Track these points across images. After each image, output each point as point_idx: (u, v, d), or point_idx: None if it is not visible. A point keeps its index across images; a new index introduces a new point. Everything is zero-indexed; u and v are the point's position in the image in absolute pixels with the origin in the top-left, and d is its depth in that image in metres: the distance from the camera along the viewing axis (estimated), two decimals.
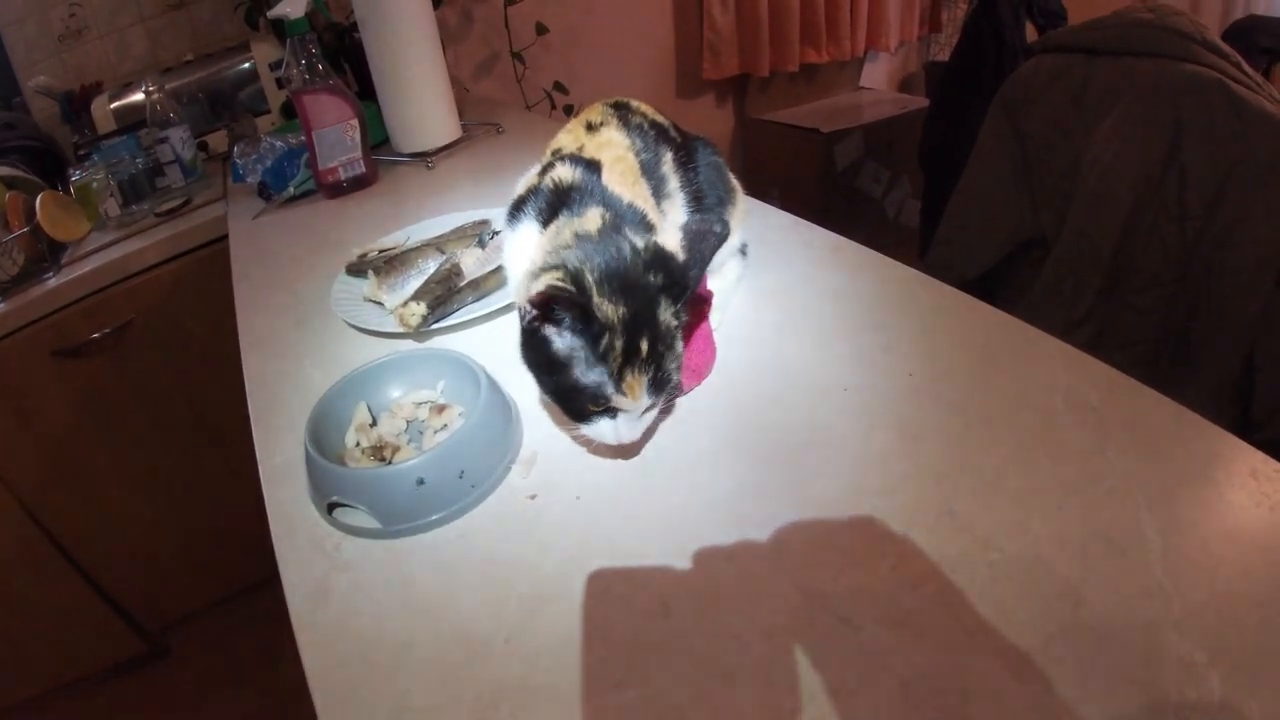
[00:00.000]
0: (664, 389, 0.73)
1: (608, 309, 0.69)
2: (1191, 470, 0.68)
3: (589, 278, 0.70)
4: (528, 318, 0.71)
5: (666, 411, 0.84)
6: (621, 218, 0.77)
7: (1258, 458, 0.67)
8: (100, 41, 2.40)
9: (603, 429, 0.74)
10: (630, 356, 0.70)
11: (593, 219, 0.75)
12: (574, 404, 0.74)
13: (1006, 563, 0.61)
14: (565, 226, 0.76)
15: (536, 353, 0.73)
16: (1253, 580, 0.57)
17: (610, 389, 0.70)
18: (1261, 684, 0.50)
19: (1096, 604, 0.57)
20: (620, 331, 0.69)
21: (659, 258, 0.72)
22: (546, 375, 0.74)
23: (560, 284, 0.68)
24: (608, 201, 0.79)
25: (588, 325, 0.69)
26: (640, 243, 0.73)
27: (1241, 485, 0.65)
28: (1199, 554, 0.60)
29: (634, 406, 0.72)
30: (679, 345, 0.74)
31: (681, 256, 0.72)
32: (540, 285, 0.69)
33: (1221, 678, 0.51)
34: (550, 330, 0.71)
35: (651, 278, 0.71)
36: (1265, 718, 0.48)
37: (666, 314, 0.72)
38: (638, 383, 0.70)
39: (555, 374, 0.73)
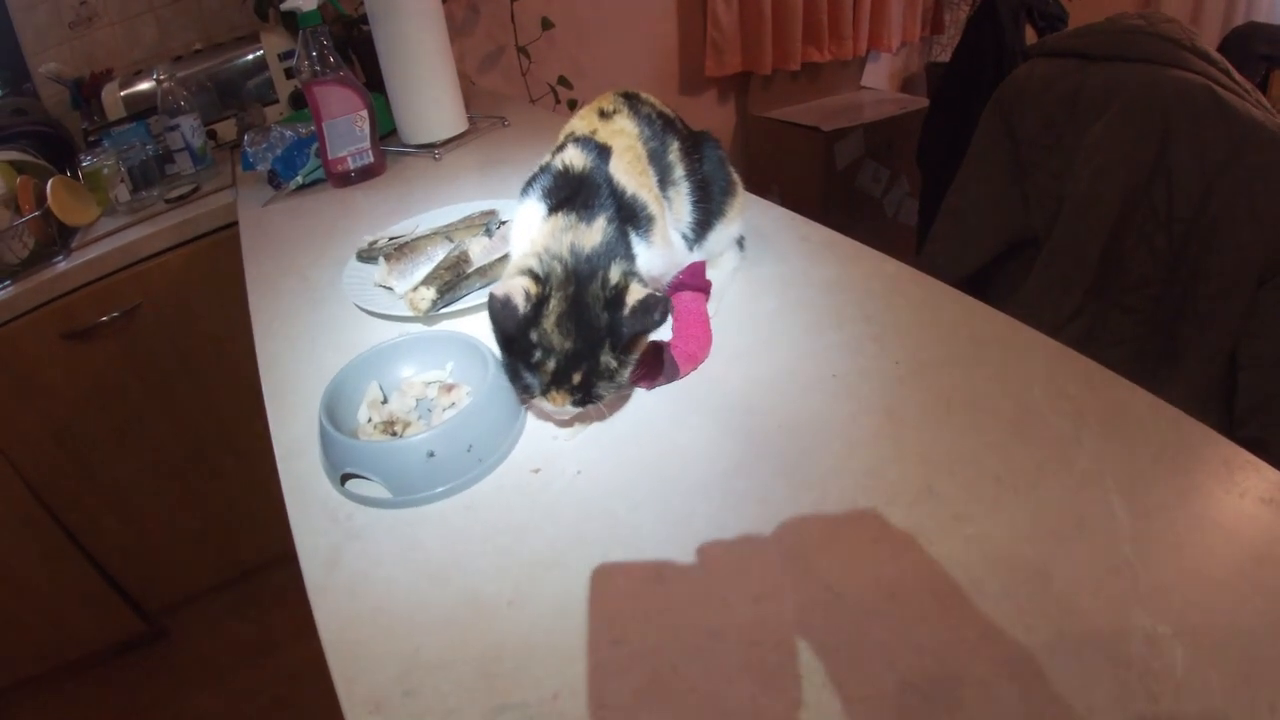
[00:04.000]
0: (590, 403, 0.78)
1: (554, 338, 0.75)
2: (1164, 457, 0.70)
3: (553, 302, 0.75)
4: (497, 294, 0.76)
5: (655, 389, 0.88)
6: (622, 214, 0.82)
7: (1230, 448, 0.69)
8: (110, 29, 2.42)
9: (538, 403, 0.80)
10: (559, 379, 0.75)
11: (596, 231, 0.79)
12: (514, 384, 0.79)
13: (982, 537, 0.64)
14: (567, 231, 0.79)
15: (498, 326, 0.77)
16: (1218, 561, 0.60)
17: (537, 393, 0.77)
18: (1223, 656, 0.53)
19: (1066, 578, 0.59)
20: (558, 357, 0.75)
21: (616, 301, 0.76)
22: (502, 350, 0.79)
23: (514, 296, 0.74)
24: (613, 193, 0.83)
25: (527, 339, 0.75)
26: (615, 277, 0.77)
27: (1213, 473, 0.68)
28: (1167, 535, 0.62)
29: (559, 410, 0.78)
30: (621, 377, 0.79)
31: (627, 311, 0.75)
32: (513, 284, 0.74)
33: (1185, 650, 0.53)
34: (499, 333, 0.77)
35: (605, 317, 0.76)
36: (1225, 687, 0.51)
37: (608, 357, 0.76)
38: (562, 397, 0.76)
39: (506, 354, 0.78)
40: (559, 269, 0.77)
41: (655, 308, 0.74)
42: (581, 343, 0.75)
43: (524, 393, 0.79)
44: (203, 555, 2.34)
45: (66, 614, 2.15)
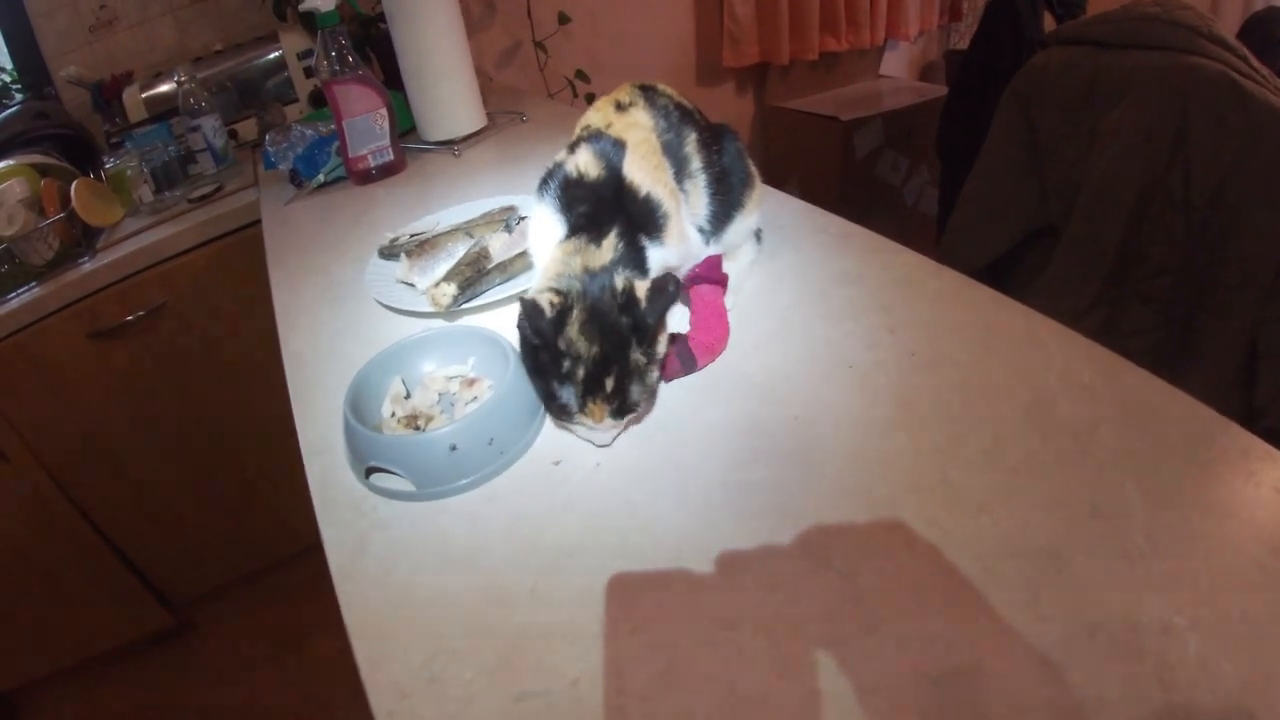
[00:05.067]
0: (629, 414, 0.79)
1: (580, 345, 0.76)
2: (1180, 447, 0.69)
3: (575, 312, 0.77)
4: (519, 316, 0.77)
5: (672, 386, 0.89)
6: (635, 221, 0.84)
7: (1247, 437, 0.69)
8: (130, 32, 2.44)
9: (578, 430, 0.82)
10: (592, 388, 0.76)
11: (605, 251, 0.81)
12: (550, 407, 0.81)
13: (997, 525, 0.64)
14: (577, 254, 0.81)
15: (526, 353, 0.81)
16: (1234, 551, 0.59)
17: (574, 409, 0.78)
18: (1238, 647, 0.52)
19: (1082, 568, 0.59)
20: (587, 365, 0.76)
21: (630, 302, 0.77)
22: (533, 375, 0.81)
23: (541, 302, 0.76)
24: (626, 201, 0.84)
25: (555, 348, 0.76)
26: (620, 284, 0.78)
27: (1229, 462, 0.67)
28: (1183, 525, 0.62)
29: (598, 427, 0.79)
30: (651, 377, 0.80)
31: (644, 303, 0.77)
32: (538, 295, 0.76)
33: (1200, 640, 0.53)
34: (532, 336, 0.78)
35: (624, 319, 0.77)
36: (1240, 678, 0.51)
37: (637, 354, 0.78)
38: (600, 410, 0.77)
39: (538, 377, 0.80)
40: (576, 285, 0.79)
41: (666, 285, 0.76)
42: (608, 345, 0.76)
43: (562, 414, 0.80)
44: (229, 548, 2.37)
45: (94, 607, 2.19)
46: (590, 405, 0.77)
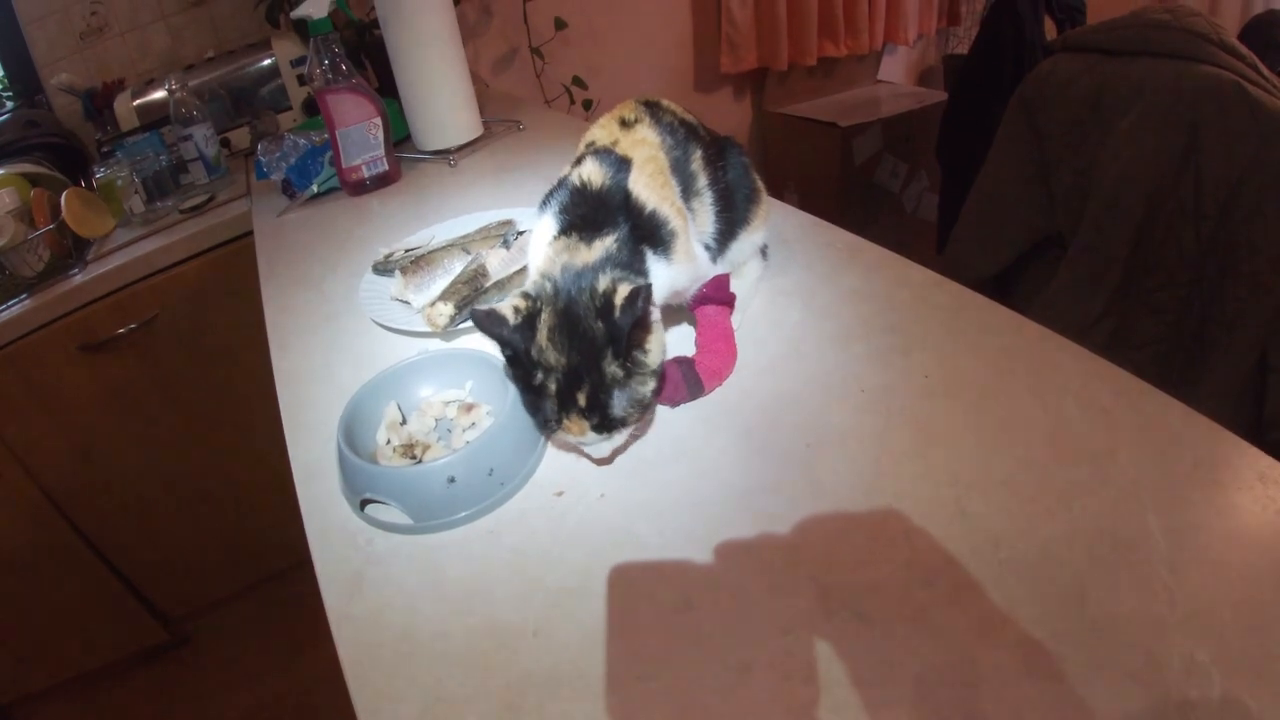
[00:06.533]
0: (614, 429, 0.75)
1: (550, 354, 0.72)
2: (1199, 473, 0.68)
3: (544, 317, 0.73)
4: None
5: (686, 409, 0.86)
6: (638, 232, 0.80)
7: (1265, 462, 0.67)
8: (122, 39, 2.42)
9: (564, 437, 0.77)
10: (566, 402, 0.73)
11: (595, 250, 0.77)
12: (536, 419, 0.77)
13: (1016, 561, 0.62)
14: (563, 253, 0.78)
15: (506, 362, 0.77)
16: (1256, 582, 0.58)
17: (554, 423, 0.74)
18: (1262, 683, 0.51)
19: (1103, 602, 0.58)
20: (558, 375, 0.72)
21: (608, 307, 0.72)
22: (514, 383, 0.77)
23: (502, 310, 0.73)
24: (630, 210, 0.81)
25: (519, 359, 0.73)
26: (603, 285, 0.74)
27: (1248, 489, 0.66)
28: (1204, 556, 0.61)
29: (582, 440, 0.75)
30: (638, 390, 0.75)
31: (618, 312, 0.72)
32: (501, 304, 0.73)
33: (1223, 676, 0.52)
34: (500, 347, 0.75)
35: (599, 325, 0.73)
36: (1265, 716, 0.49)
37: (612, 366, 0.73)
38: (579, 424, 0.73)
39: (517, 385, 0.77)
40: (549, 286, 0.75)
41: (639, 295, 0.71)
42: (577, 356, 0.72)
43: (544, 427, 0.76)
44: (224, 561, 2.35)
45: (88, 622, 2.17)
46: (567, 420, 0.74)
